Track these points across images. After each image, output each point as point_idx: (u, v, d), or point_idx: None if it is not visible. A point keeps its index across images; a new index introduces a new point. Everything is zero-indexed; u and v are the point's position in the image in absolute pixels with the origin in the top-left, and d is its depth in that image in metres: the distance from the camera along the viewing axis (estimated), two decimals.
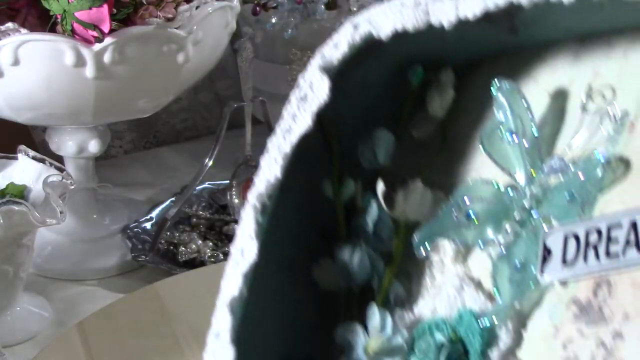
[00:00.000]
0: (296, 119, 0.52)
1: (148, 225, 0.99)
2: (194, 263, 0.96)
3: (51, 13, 0.81)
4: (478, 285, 0.52)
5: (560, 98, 0.52)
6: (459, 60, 0.57)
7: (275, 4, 1.01)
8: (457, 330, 0.51)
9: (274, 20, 1.03)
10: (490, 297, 0.51)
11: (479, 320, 0.50)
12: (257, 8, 1.00)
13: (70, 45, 0.80)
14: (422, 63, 0.56)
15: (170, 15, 0.84)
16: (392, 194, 0.55)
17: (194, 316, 0.83)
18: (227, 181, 1.01)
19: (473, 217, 0.52)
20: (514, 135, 0.51)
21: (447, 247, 0.54)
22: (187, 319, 0.83)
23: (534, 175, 0.51)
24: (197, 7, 0.86)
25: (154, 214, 1.01)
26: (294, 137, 0.52)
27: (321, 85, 0.52)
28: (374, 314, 0.53)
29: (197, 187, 1.02)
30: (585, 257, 0.47)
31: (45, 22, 0.83)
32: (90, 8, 0.78)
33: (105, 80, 0.82)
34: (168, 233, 0.98)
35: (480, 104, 0.55)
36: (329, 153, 0.57)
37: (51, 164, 0.84)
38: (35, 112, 0.86)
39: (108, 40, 0.80)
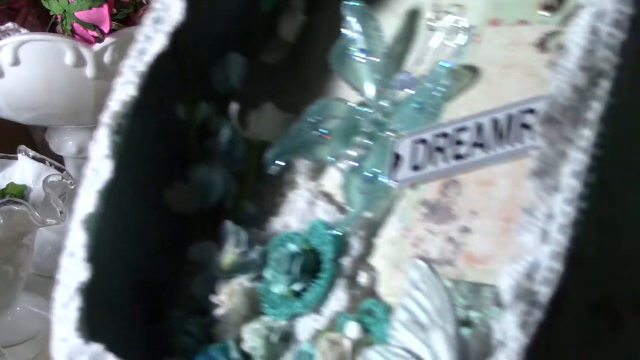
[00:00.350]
0: (150, 40, 0.54)
1: None
2: None
3: (51, 13, 0.81)
4: (329, 199, 0.53)
5: (409, 18, 0.54)
6: None
7: None
8: (309, 241, 0.51)
9: None
10: (341, 209, 0.52)
11: (331, 230, 0.51)
12: None
13: (70, 45, 0.80)
14: None
15: None
16: (245, 117, 0.56)
17: None
18: None
19: (325, 132, 0.53)
20: (363, 54, 0.53)
21: (299, 166, 0.55)
22: None
23: (384, 90, 0.52)
24: None
25: None
26: (148, 57, 0.53)
27: (175, 6, 0.53)
28: (228, 231, 0.53)
29: None
30: (434, 161, 0.48)
31: (45, 22, 0.83)
32: (90, 8, 0.78)
33: (105, 80, 0.83)
34: None
35: (331, 28, 0.56)
36: (183, 77, 0.57)
37: (51, 164, 0.84)
38: (35, 112, 0.87)
39: (108, 40, 0.80)
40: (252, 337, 0.51)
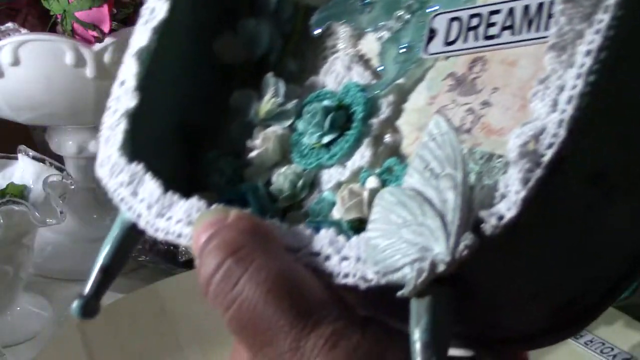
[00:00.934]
0: None
1: None
2: (194, 263, 0.95)
3: (51, 13, 0.81)
4: (366, 64, 0.57)
5: None
6: None
7: None
8: (342, 100, 0.55)
9: None
10: (376, 74, 0.56)
11: (364, 92, 0.55)
12: None
13: (70, 45, 0.81)
14: None
15: None
16: None
17: (194, 316, 0.83)
18: None
19: (369, 3, 0.57)
20: None
21: (340, 32, 0.58)
22: (187, 319, 0.83)
23: None
24: None
25: None
26: None
27: None
28: (270, 82, 0.57)
29: None
30: (466, 38, 0.52)
31: (45, 22, 0.83)
32: (90, 8, 0.79)
33: (105, 80, 0.83)
34: None
35: None
36: None
37: (51, 164, 0.85)
38: (35, 112, 0.87)
39: (108, 40, 0.81)
40: (281, 179, 0.55)
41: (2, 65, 0.82)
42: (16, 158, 0.86)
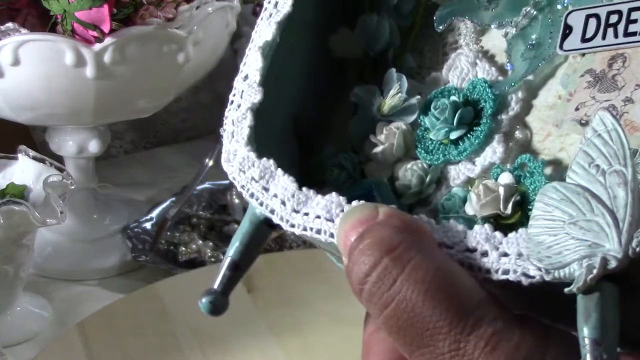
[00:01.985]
0: None
1: (148, 225, 1.00)
2: (194, 263, 0.96)
3: (51, 13, 0.81)
4: (492, 61, 0.57)
5: None
6: None
7: None
8: (469, 97, 0.55)
9: None
10: (502, 71, 0.56)
11: (491, 88, 0.55)
12: (257, 8, 1.00)
13: (70, 45, 0.81)
14: None
15: (170, 15, 0.84)
16: None
17: (194, 316, 0.84)
18: (227, 181, 1.01)
19: (494, 0, 0.57)
20: None
21: (462, 28, 0.59)
22: (187, 319, 0.83)
23: None
24: (197, 7, 0.86)
25: (154, 214, 1.02)
26: None
27: None
28: (392, 77, 0.57)
29: (197, 187, 1.03)
30: (605, 35, 0.52)
31: (45, 22, 0.83)
32: (90, 8, 0.79)
33: (105, 80, 0.83)
34: (168, 233, 0.98)
35: None
36: None
37: (51, 164, 0.85)
38: (35, 112, 0.87)
39: (108, 40, 0.81)
40: (408, 175, 0.55)
41: (2, 65, 0.82)
42: (16, 158, 0.86)
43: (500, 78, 0.56)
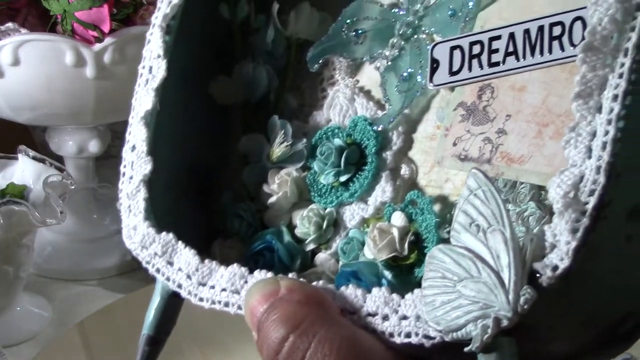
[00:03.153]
0: None
1: None
2: None
3: (51, 13, 0.81)
4: (368, 95, 0.58)
5: None
6: None
7: None
8: (352, 135, 0.56)
9: None
10: (380, 105, 0.57)
11: (372, 126, 0.56)
12: None
13: (70, 45, 0.81)
14: None
15: None
16: (283, 16, 0.61)
17: (194, 317, 0.83)
18: None
19: (361, 33, 0.58)
20: None
21: (336, 63, 0.59)
22: (187, 319, 0.83)
23: None
24: None
25: None
26: None
27: None
28: (275, 124, 0.58)
29: None
30: (470, 67, 0.53)
31: (45, 22, 0.83)
32: (90, 8, 0.79)
33: (105, 80, 0.83)
34: None
35: None
36: None
37: (51, 164, 0.84)
38: (35, 112, 0.87)
39: (108, 40, 0.81)
40: (304, 222, 0.56)
41: (2, 65, 0.82)
42: (16, 158, 0.86)
43: (379, 112, 0.56)
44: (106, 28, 0.80)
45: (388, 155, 0.55)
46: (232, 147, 0.60)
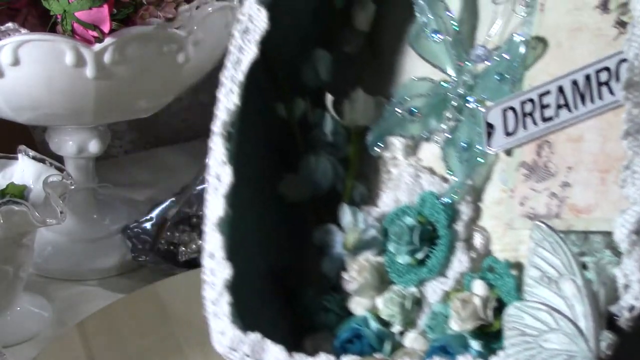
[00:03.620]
0: (243, 50, 0.59)
1: (148, 225, 0.99)
2: (194, 263, 0.96)
3: (51, 13, 0.81)
4: (432, 171, 0.59)
5: None
6: None
7: None
8: (422, 212, 0.57)
9: None
10: (444, 179, 0.58)
11: (440, 199, 0.57)
12: None
13: (70, 45, 0.81)
14: None
15: (170, 15, 0.84)
16: (339, 106, 0.62)
17: (194, 316, 0.83)
18: None
19: (416, 111, 0.59)
20: (437, 34, 0.58)
21: (396, 143, 0.60)
22: (187, 319, 0.83)
23: (462, 65, 0.58)
24: (197, 7, 0.86)
25: (154, 214, 1.02)
26: (243, 66, 0.59)
27: (259, 16, 0.59)
28: (346, 212, 0.60)
29: (197, 187, 1.02)
30: (525, 125, 0.54)
31: (45, 22, 0.83)
32: (90, 8, 0.79)
33: (105, 80, 0.83)
34: (168, 233, 0.98)
35: (401, 13, 0.61)
36: (276, 79, 0.63)
37: (51, 164, 0.85)
38: (35, 112, 0.87)
39: (108, 40, 0.81)
40: (388, 306, 0.57)
41: (2, 65, 0.82)
42: (16, 158, 0.86)
43: (445, 185, 0.58)
44: (106, 28, 0.80)
45: (460, 226, 0.56)
46: (307, 241, 0.61)
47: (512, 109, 0.54)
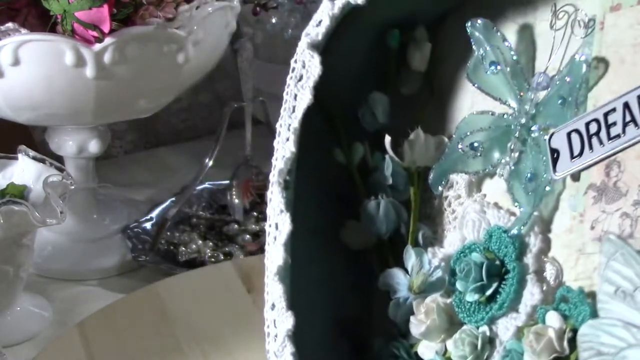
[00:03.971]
0: (297, 97, 0.58)
1: (148, 225, 1.00)
2: (194, 263, 0.96)
3: (51, 13, 0.81)
4: (497, 205, 0.57)
5: (528, 26, 0.58)
6: (428, 16, 0.63)
7: (275, 4, 1.02)
8: (489, 248, 0.56)
9: (274, 21, 1.03)
10: (510, 212, 0.57)
11: (507, 233, 0.55)
12: (257, 8, 1.01)
13: (70, 45, 0.81)
14: (396, 27, 0.62)
15: (170, 15, 0.84)
16: (398, 148, 0.61)
17: (194, 316, 0.84)
18: (227, 181, 1.02)
19: (478, 145, 0.57)
20: (497, 66, 0.57)
21: (459, 181, 0.59)
22: (187, 319, 0.83)
23: (523, 94, 0.56)
24: (197, 7, 0.86)
25: (154, 214, 1.02)
26: (298, 113, 0.58)
27: (313, 62, 0.57)
28: (411, 255, 0.58)
29: (197, 187, 1.03)
30: (591, 146, 0.52)
31: (45, 22, 0.83)
32: (90, 8, 0.79)
33: (105, 80, 0.83)
34: (168, 233, 0.98)
35: (457, 49, 0.60)
36: (333, 124, 0.62)
37: (51, 164, 0.84)
38: (35, 112, 0.87)
39: (108, 40, 0.81)
40: (459, 346, 0.56)
41: (2, 65, 0.82)
42: (16, 158, 0.86)
43: (512, 218, 0.56)
44: (106, 28, 0.80)
45: (529, 258, 0.55)
46: (373, 287, 0.60)
47: (577, 131, 0.53)
